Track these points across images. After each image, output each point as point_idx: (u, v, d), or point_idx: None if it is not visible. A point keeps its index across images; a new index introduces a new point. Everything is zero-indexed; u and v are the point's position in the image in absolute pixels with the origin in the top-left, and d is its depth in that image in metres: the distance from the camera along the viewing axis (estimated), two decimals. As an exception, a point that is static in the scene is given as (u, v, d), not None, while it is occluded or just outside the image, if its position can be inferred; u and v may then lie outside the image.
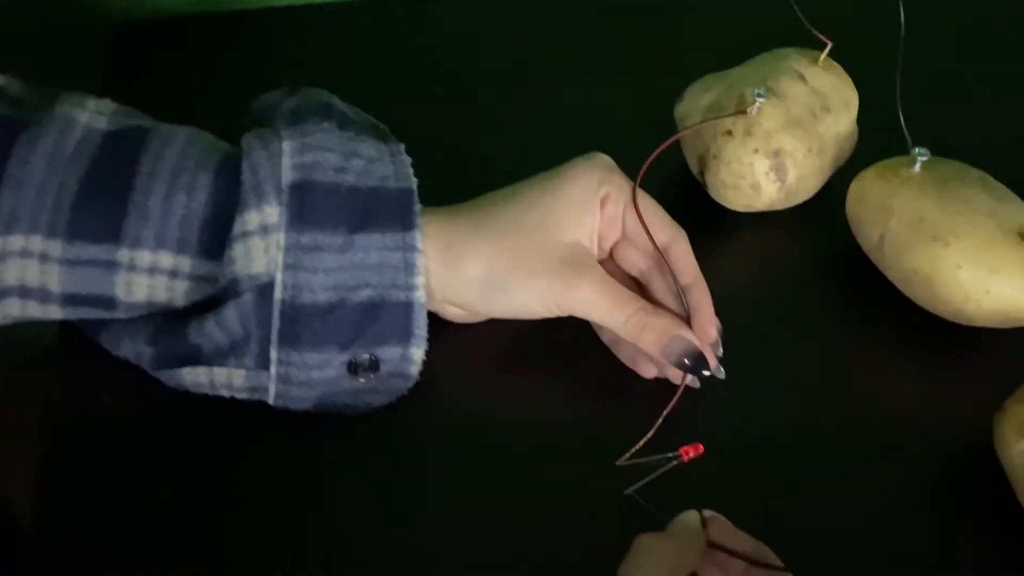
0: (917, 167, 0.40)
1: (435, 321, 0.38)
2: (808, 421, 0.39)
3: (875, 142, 0.44)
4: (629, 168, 0.40)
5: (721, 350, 0.38)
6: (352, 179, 0.37)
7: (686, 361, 0.37)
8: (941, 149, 0.42)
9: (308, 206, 0.36)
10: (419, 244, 0.36)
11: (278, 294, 0.35)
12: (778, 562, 0.29)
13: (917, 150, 0.40)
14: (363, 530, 0.36)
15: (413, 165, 0.38)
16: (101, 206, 0.35)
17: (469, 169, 0.43)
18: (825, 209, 0.44)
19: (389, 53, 0.54)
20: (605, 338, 0.40)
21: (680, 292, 0.38)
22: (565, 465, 0.37)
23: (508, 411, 0.39)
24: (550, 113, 0.50)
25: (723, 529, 0.31)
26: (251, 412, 0.37)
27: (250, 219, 0.35)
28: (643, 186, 0.39)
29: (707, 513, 0.31)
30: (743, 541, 0.30)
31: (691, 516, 0.31)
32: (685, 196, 0.45)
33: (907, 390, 0.40)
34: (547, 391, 0.40)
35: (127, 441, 0.38)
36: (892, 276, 0.41)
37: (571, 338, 0.40)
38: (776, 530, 0.32)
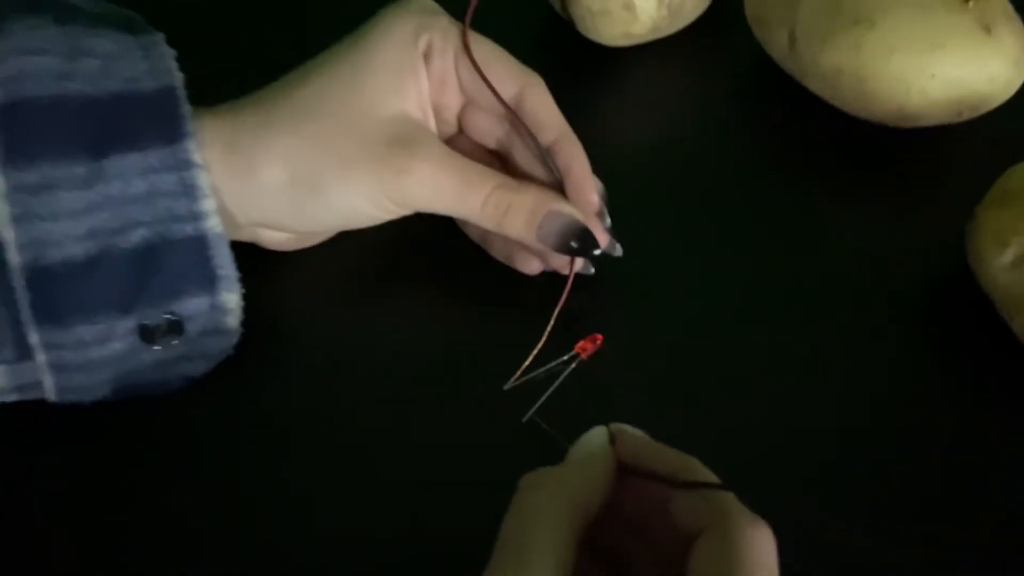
0: (820, -61, 0.32)
1: (255, 253, 0.30)
2: (736, 287, 0.31)
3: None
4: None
5: (609, 219, 0.30)
6: (85, 85, 0.27)
7: (570, 242, 0.29)
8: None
9: (25, 132, 0.26)
10: (196, 157, 0.27)
11: (15, 260, 0.26)
12: (711, 477, 0.22)
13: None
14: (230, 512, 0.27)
15: (180, 59, 0.29)
16: None
17: (263, 64, 0.32)
18: (723, 23, 0.36)
19: None
20: (473, 235, 0.32)
21: (544, 154, 0.29)
22: (449, 400, 0.29)
23: (369, 350, 0.30)
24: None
25: (637, 445, 0.23)
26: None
27: None
28: (488, 32, 0.30)
29: (616, 427, 0.24)
30: (664, 457, 0.23)
31: (596, 435, 0.24)
32: (548, 37, 0.37)
33: (854, 219, 0.33)
34: (412, 314, 0.31)
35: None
36: (814, 85, 0.33)
37: (431, 243, 0.32)
38: (711, 430, 0.26)
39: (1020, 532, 0.27)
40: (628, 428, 0.24)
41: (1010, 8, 0.32)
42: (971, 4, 0.29)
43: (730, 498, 0.21)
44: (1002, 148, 0.31)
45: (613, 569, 0.23)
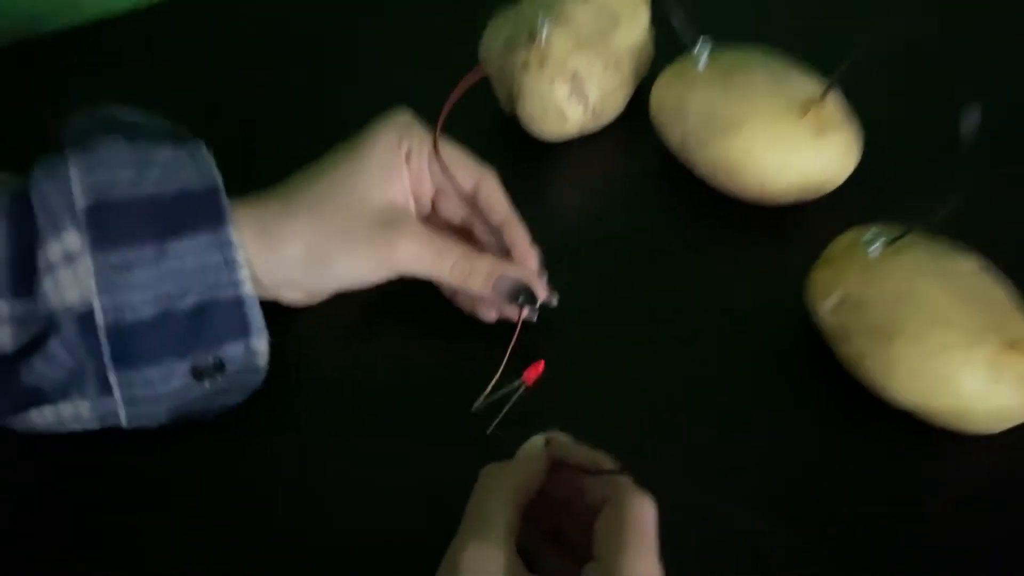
0: (702, 65, 0.40)
1: (277, 309, 0.38)
2: (645, 324, 0.39)
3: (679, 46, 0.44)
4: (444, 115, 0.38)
5: (546, 278, 0.38)
6: (152, 189, 0.35)
7: (518, 297, 0.37)
8: (730, 34, 0.42)
9: (109, 226, 0.34)
10: (234, 239, 0.35)
11: (100, 320, 0.34)
12: (612, 466, 0.30)
13: (698, 48, 0.40)
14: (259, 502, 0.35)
15: (218, 162, 0.37)
16: None
17: (282, 148, 0.41)
18: (635, 123, 0.45)
19: (180, 58, 0.51)
20: (445, 292, 0.40)
21: (495, 231, 0.38)
22: (430, 419, 0.37)
23: (366, 381, 0.38)
24: (357, 70, 0.49)
25: (563, 446, 0.31)
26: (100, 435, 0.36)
27: (52, 251, 0.33)
28: (458, 131, 0.38)
29: (550, 434, 0.32)
30: (582, 453, 0.31)
31: (535, 440, 0.32)
32: (502, 133, 0.45)
33: (729, 273, 0.41)
34: (400, 353, 0.39)
35: None
36: (700, 171, 0.42)
37: (414, 299, 0.40)
38: (621, 433, 0.32)
39: (846, 513, 0.34)
40: (558, 434, 0.32)
41: (839, 115, 0.40)
42: (809, 115, 0.38)
43: (624, 479, 0.29)
44: (836, 221, 0.38)
45: (550, 534, 0.31)
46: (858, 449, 0.36)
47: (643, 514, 0.28)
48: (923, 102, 0.45)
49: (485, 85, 0.44)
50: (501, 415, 0.36)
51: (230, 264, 0.35)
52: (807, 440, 0.36)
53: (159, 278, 0.34)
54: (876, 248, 0.33)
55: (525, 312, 0.38)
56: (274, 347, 0.37)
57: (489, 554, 0.27)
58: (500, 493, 0.29)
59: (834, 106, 0.39)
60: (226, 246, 0.35)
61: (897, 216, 0.36)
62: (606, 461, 0.30)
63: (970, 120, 0.32)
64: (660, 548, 0.28)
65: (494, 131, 0.45)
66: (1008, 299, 0.33)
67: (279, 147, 0.39)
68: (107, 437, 0.36)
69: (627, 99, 0.45)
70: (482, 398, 0.36)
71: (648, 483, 0.29)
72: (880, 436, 0.35)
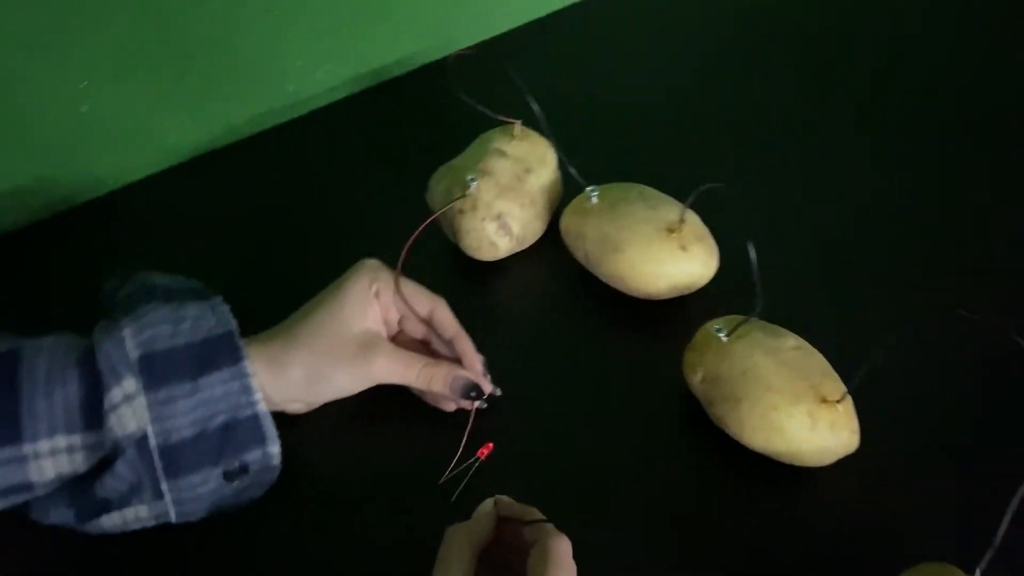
0: (594, 200, 0.52)
1: (285, 418, 0.48)
2: (566, 404, 0.50)
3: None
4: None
5: (488, 375, 0.49)
6: (185, 339, 0.46)
7: (469, 392, 0.48)
8: (614, 175, 0.55)
9: (156, 371, 0.44)
10: (249, 370, 0.46)
11: (153, 443, 0.44)
12: (540, 516, 0.40)
13: (588, 189, 0.53)
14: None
15: (232, 309, 0.48)
16: (0, 417, 0.43)
17: (279, 297, 0.51)
18: (553, 243, 0.56)
19: (198, 222, 0.63)
20: (415, 392, 0.50)
21: (448, 344, 0.49)
22: (408, 491, 0.47)
23: (355, 466, 0.49)
24: (337, 229, 0.60)
25: (506, 504, 0.42)
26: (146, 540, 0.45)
27: (115, 395, 0.44)
28: (418, 258, 0.49)
29: (497, 497, 0.42)
30: (520, 509, 0.41)
31: (487, 502, 0.42)
32: (450, 259, 0.57)
33: (630, 358, 0.52)
34: (383, 443, 0.50)
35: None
36: (602, 280, 0.53)
37: (391, 401, 0.50)
38: (552, 493, 0.43)
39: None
40: (503, 497, 0.43)
41: (701, 230, 0.52)
42: (674, 235, 0.50)
43: (548, 525, 0.40)
44: (708, 311, 0.50)
45: (501, 571, 0.41)
46: (727, 483, 0.47)
47: (561, 549, 0.38)
48: (761, 219, 0.57)
49: (434, 222, 0.55)
50: (461, 485, 0.47)
51: (247, 390, 0.46)
52: (691, 477, 0.47)
53: (195, 406, 0.45)
54: (723, 334, 0.45)
55: (476, 404, 0.49)
56: (285, 449, 0.47)
57: (453, 591, 0.37)
58: (460, 546, 0.39)
59: (693, 226, 0.51)
60: (243, 376, 0.45)
61: (750, 305, 0.47)
62: (536, 513, 0.41)
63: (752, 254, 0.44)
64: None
65: (444, 257, 0.57)
66: (819, 366, 0.45)
67: (279, 291, 0.50)
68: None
69: (545, 226, 0.56)
70: (447, 473, 0.47)
71: (566, 527, 0.40)
72: (743, 473, 0.46)
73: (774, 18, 0.75)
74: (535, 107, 0.53)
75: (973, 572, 0.35)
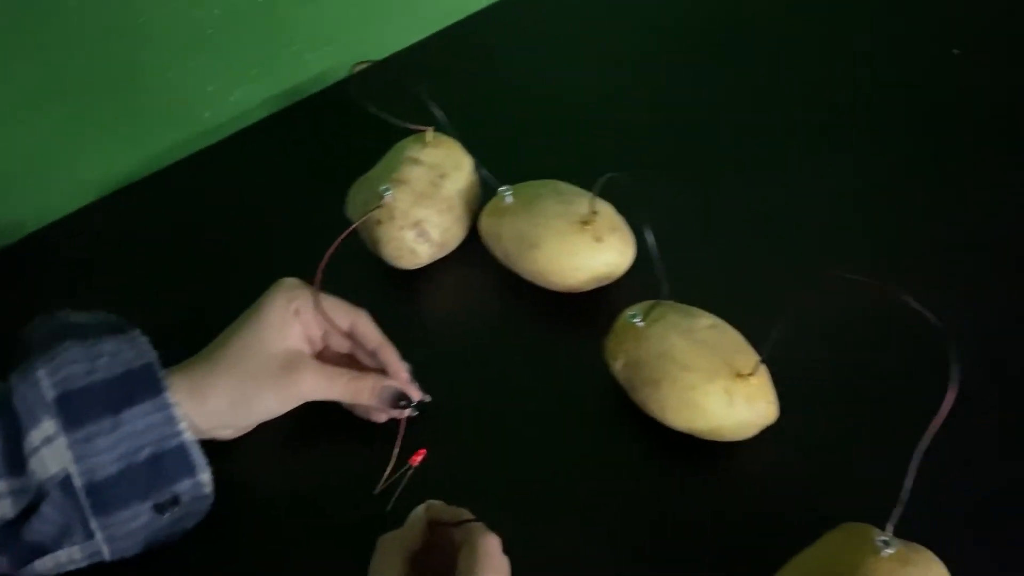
0: (508, 199, 0.53)
1: (215, 445, 0.47)
2: (494, 398, 0.51)
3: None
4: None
5: (415, 382, 0.49)
6: (103, 374, 0.45)
7: (398, 401, 0.48)
8: (532, 175, 0.56)
9: (74, 410, 0.44)
10: (171, 400, 0.45)
11: (78, 483, 0.43)
12: (471, 516, 0.41)
13: (501, 190, 0.53)
14: None
15: (156, 339, 0.47)
16: None
17: (204, 324, 0.50)
18: (474, 246, 0.57)
19: (121, 254, 0.62)
20: (344, 405, 0.50)
21: (371, 356, 0.49)
22: (343, 503, 0.47)
23: (291, 485, 0.49)
24: (261, 250, 0.60)
25: (437, 508, 0.42)
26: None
27: (34, 436, 0.43)
28: (338, 270, 0.49)
29: (428, 502, 0.42)
30: (450, 511, 0.42)
31: (418, 509, 0.42)
32: (372, 268, 0.57)
33: (555, 350, 0.53)
34: (316, 459, 0.50)
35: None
36: (523, 276, 0.54)
37: (321, 418, 0.50)
38: (486, 492, 0.44)
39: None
40: (435, 502, 0.43)
41: (616, 220, 0.53)
42: (588, 227, 0.51)
43: (478, 524, 0.40)
44: (624, 302, 0.50)
45: (436, 573, 0.41)
46: (655, 466, 0.48)
47: (489, 546, 0.39)
48: (674, 205, 0.58)
49: (354, 235, 0.55)
50: (396, 494, 0.47)
51: (170, 420, 0.45)
52: (620, 463, 0.48)
53: (118, 441, 0.44)
54: (639, 321, 0.46)
55: (406, 412, 0.49)
56: (217, 476, 0.46)
57: (384, 597, 0.38)
58: (391, 556, 0.39)
59: (607, 217, 0.52)
60: (165, 407, 0.45)
61: (669, 290, 0.48)
62: (466, 513, 0.41)
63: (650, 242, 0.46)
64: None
65: (367, 269, 0.57)
66: (733, 342, 0.46)
67: (204, 318, 0.49)
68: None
69: (466, 230, 0.57)
70: (381, 483, 0.47)
71: (499, 523, 0.40)
72: (669, 454, 0.47)
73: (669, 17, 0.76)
74: (438, 114, 0.53)
75: (884, 523, 0.36)
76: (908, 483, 0.36)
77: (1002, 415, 0.48)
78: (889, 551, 0.36)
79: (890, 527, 0.37)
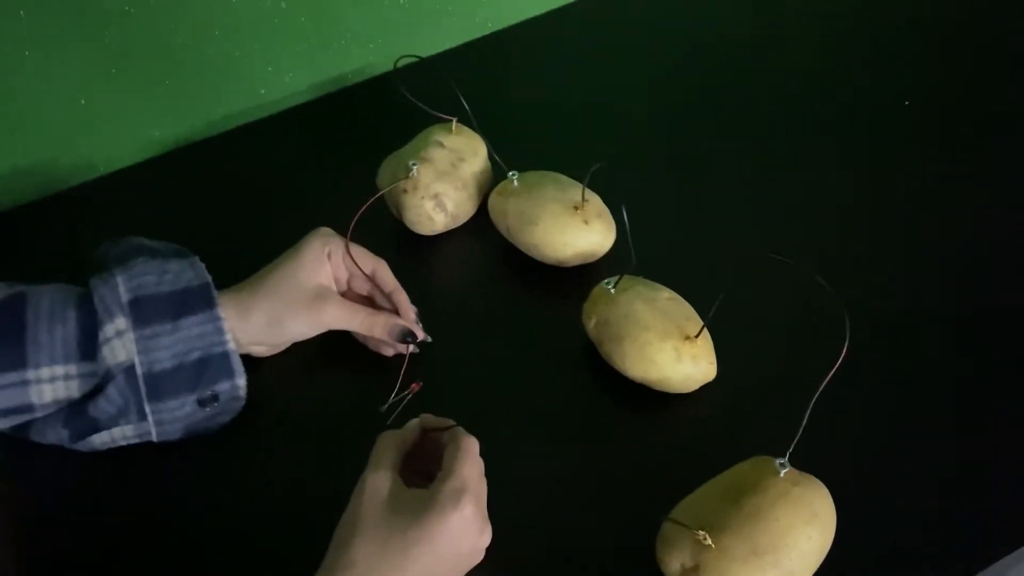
0: (515, 183, 0.62)
1: (251, 360, 0.57)
2: (487, 350, 0.60)
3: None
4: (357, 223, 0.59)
5: (420, 324, 0.59)
6: (168, 287, 0.55)
7: (405, 337, 0.57)
8: (534, 165, 0.65)
9: (143, 312, 0.53)
10: (221, 314, 0.54)
11: (139, 371, 0.53)
12: (453, 423, 0.49)
13: (510, 174, 0.63)
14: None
15: (209, 267, 0.57)
16: (7, 347, 0.51)
17: (249, 260, 0.59)
18: (484, 219, 0.66)
19: (179, 203, 0.72)
20: (359, 338, 0.60)
21: (387, 297, 0.58)
22: (358, 416, 0.56)
23: (310, 400, 0.58)
24: (300, 206, 0.70)
25: (428, 418, 0.51)
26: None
27: (108, 330, 0.53)
28: (366, 231, 0.59)
29: (422, 416, 0.51)
30: (438, 421, 0.50)
31: (413, 420, 0.51)
32: (394, 231, 0.66)
33: (543, 313, 0.62)
34: (334, 380, 0.59)
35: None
36: (522, 249, 0.63)
37: (340, 346, 0.60)
38: (474, 421, 0.51)
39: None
40: (427, 415, 0.51)
41: (602, 208, 0.62)
42: (579, 211, 0.60)
43: (459, 428, 0.49)
44: (602, 276, 0.58)
45: (425, 475, 0.49)
46: (614, 407, 0.56)
47: (469, 444, 0.47)
48: (649, 197, 0.67)
49: (382, 202, 0.65)
50: (398, 410, 0.56)
51: (219, 331, 0.54)
52: (587, 402, 0.57)
53: (175, 343, 0.54)
54: (612, 288, 0.55)
55: (410, 348, 0.58)
56: (251, 383, 0.56)
57: (380, 476, 0.46)
58: (388, 447, 0.48)
59: (595, 204, 0.61)
60: (215, 320, 0.54)
61: (638, 269, 0.57)
62: (452, 422, 0.50)
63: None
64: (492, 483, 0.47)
65: (388, 231, 0.66)
66: (685, 312, 0.55)
67: (249, 256, 0.58)
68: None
69: (476, 207, 0.66)
70: (388, 402, 0.56)
71: (482, 439, 0.49)
72: (627, 398, 0.56)
73: (677, 34, 0.86)
74: (467, 107, 0.63)
75: (785, 455, 0.45)
76: (803, 422, 0.45)
77: (885, 369, 0.57)
78: (784, 471, 0.45)
79: (788, 456, 0.46)
